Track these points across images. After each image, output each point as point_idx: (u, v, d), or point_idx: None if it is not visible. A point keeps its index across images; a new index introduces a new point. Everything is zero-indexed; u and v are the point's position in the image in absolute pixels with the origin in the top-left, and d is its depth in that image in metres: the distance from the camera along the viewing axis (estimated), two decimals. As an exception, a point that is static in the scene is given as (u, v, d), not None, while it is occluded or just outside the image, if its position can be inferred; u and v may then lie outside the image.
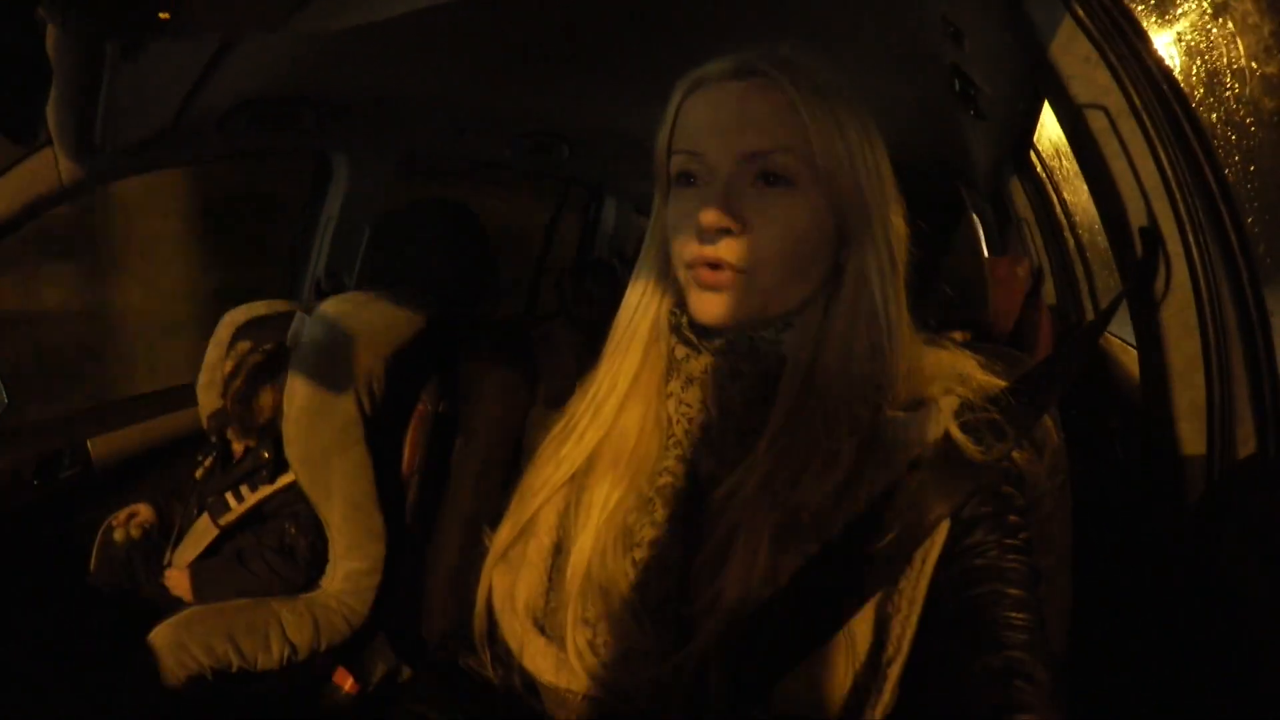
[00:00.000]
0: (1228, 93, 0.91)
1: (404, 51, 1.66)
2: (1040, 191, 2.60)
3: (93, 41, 0.81)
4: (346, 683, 1.53)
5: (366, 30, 1.31)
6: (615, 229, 3.90)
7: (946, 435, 0.68)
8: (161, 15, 0.69)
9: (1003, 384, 0.73)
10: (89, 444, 1.84)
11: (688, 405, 0.76)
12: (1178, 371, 1.09)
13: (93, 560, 1.71)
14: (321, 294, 2.25)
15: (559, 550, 0.78)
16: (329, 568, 1.54)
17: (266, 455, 1.58)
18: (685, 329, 0.77)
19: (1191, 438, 1.08)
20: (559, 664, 0.73)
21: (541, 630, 0.76)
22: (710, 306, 0.73)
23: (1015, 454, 0.70)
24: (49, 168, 1.41)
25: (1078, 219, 2.48)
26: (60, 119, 1.19)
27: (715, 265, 0.71)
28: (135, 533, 1.69)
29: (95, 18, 0.73)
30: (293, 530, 1.53)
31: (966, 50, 1.71)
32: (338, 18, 1.08)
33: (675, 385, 0.77)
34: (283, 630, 1.45)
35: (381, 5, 1.13)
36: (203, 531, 1.59)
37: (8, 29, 0.61)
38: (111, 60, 0.89)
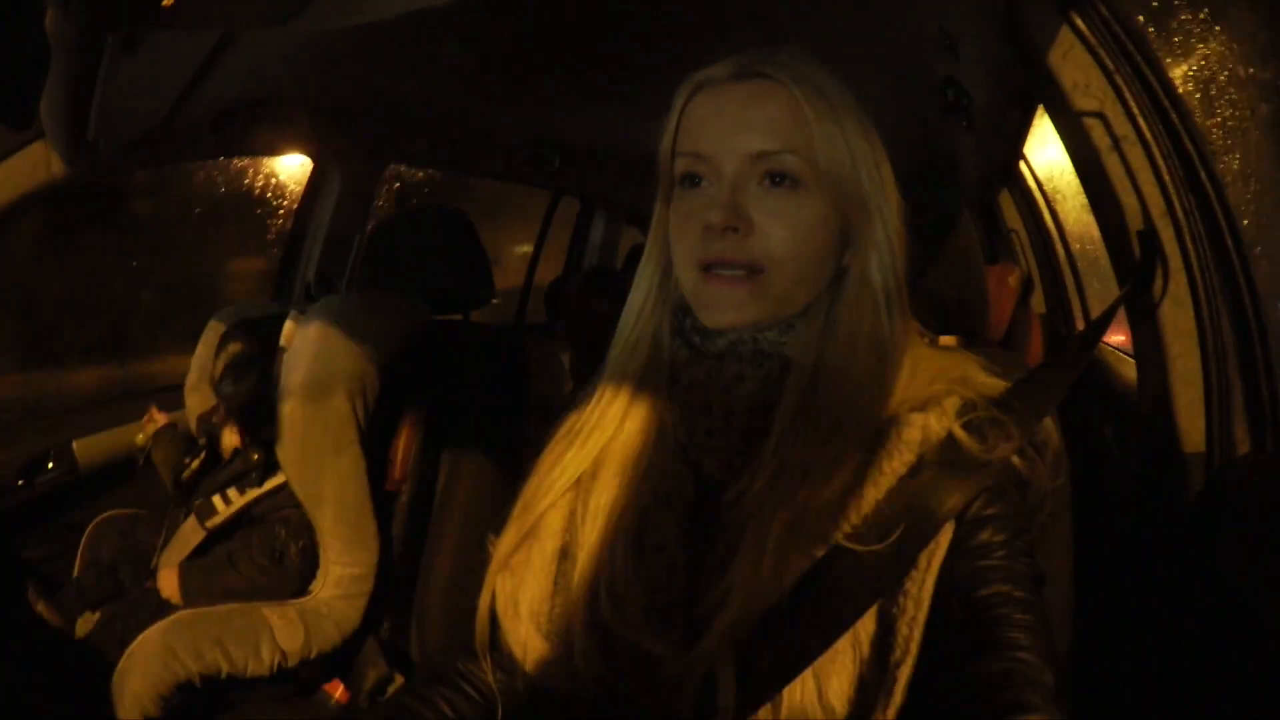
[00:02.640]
0: (1224, 98, 0.92)
1: (397, 57, 1.65)
2: (1030, 201, 2.63)
3: (93, 29, 0.80)
4: (337, 691, 1.50)
5: (361, 35, 1.30)
6: (604, 239, 3.91)
7: (950, 435, 0.68)
8: (165, 2, 0.68)
9: (1005, 385, 0.73)
10: (74, 446, 1.81)
11: (692, 409, 0.76)
12: (1175, 372, 1.10)
13: (77, 564, 1.68)
14: (310, 298, 2.22)
15: (565, 555, 0.77)
16: (320, 573, 1.51)
17: (256, 457, 1.55)
18: (689, 332, 0.77)
19: (1190, 437, 1.09)
20: (565, 668, 0.73)
21: (546, 635, 0.75)
22: (717, 309, 0.72)
23: (1017, 457, 0.70)
24: (40, 162, 1.39)
25: (1067, 228, 2.50)
26: (54, 112, 1.17)
27: (723, 266, 0.71)
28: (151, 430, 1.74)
29: (98, 3, 0.72)
30: (283, 534, 1.51)
31: (960, 61, 1.73)
32: (338, 18, 1.07)
33: (679, 389, 0.77)
34: (273, 636, 1.43)
35: (381, 6, 1.12)
36: (189, 534, 1.56)
37: (9, 13, 0.60)
38: (111, 52, 0.88)
